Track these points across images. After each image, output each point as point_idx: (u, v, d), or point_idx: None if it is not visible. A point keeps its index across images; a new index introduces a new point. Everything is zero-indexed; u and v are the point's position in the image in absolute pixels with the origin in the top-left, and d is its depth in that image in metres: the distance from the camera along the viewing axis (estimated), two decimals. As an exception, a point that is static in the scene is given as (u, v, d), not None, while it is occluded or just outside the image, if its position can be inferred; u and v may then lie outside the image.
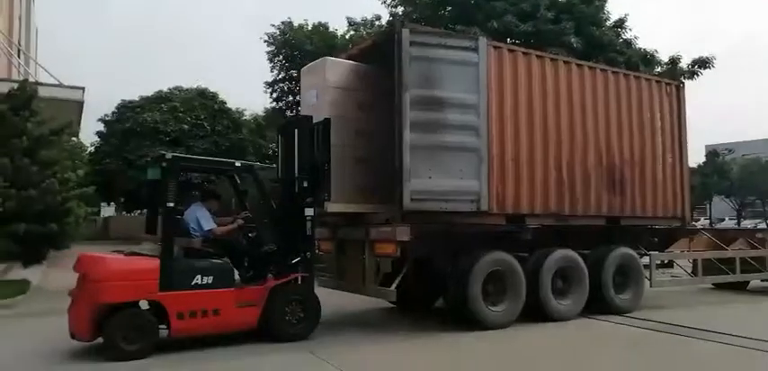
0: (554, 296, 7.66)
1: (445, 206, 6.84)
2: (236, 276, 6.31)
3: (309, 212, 6.60)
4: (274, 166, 7.28)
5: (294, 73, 24.35)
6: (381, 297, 7.06)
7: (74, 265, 6.16)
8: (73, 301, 5.99)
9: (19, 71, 16.26)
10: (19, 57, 17.70)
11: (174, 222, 6.08)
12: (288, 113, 25.80)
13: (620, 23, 19.67)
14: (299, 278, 6.55)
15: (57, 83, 13.75)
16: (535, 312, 7.54)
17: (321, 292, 6.98)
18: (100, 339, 5.76)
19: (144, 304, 5.89)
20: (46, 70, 16.66)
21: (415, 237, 6.66)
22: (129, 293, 5.75)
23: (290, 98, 25.39)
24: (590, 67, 8.57)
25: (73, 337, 5.93)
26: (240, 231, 6.76)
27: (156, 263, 5.89)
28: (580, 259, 7.94)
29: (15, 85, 10.48)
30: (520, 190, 7.48)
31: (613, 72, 8.86)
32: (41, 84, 12.98)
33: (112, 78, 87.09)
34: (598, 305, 8.05)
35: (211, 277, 6.04)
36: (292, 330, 6.43)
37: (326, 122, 6.90)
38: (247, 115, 29.47)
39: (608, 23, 19.33)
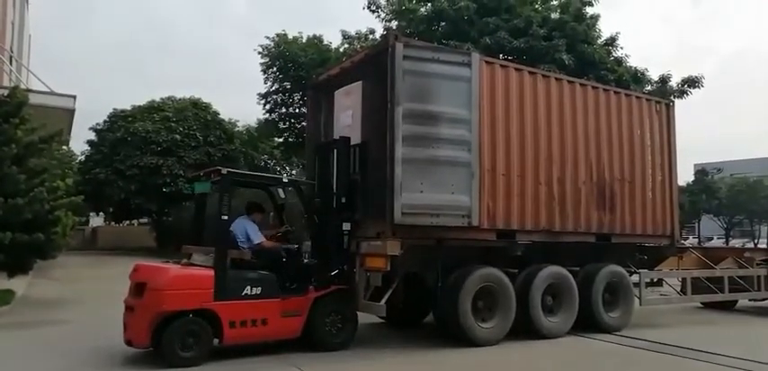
0: (544, 313, 7.65)
1: (436, 221, 6.82)
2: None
3: (346, 226, 6.81)
4: (313, 182, 7.66)
5: (288, 85, 24.38)
6: (371, 312, 7.02)
7: (130, 273, 6.26)
8: (129, 309, 6.04)
9: (10, 78, 16.12)
10: (11, 63, 17.56)
11: (227, 234, 6.27)
12: (281, 124, 25.82)
13: (611, 42, 19.94)
14: (338, 290, 6.68)
15: (48, 90, 13.65)
16: (525, 329, 7.52)
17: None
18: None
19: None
20: (37, 78, 16.57)
21: (405, 251, 6.65)
22: (188, 301, 5.85)
23: (284, 110, 25.40)
24: (581, 85, 8.62)
25: (129, 344, 5.99)
26: (283, 244, 6.92)
27: (210, 273, 6.00)
28: (570, 276, 7.94)
29: (6, 92, 10.36)
30: (510, 206, 7.48)
31: (604, 89, 8.91)
32: (33, 91, 12.86)
33: (106, 88, 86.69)
34: (587, 323, 8.04)
35: (260, 288, 6.24)
36: (333, 339, 6.63)
37: (364, 143, 7.14)
38: (240, 126, 29.39)
39: (599, 41, 19.58)
